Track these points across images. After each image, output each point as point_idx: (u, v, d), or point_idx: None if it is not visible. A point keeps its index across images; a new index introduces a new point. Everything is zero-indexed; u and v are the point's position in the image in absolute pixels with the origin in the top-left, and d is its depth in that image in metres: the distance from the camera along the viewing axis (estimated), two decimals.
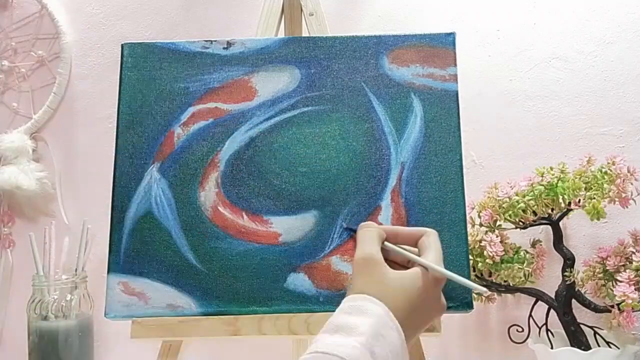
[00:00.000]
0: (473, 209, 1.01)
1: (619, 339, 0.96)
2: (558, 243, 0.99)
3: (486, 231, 0.98)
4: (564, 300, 0.97)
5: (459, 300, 0.72)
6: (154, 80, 0.82)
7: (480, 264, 0.97)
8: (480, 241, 0.97)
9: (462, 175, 0.76)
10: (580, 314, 0.98)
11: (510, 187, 0.97)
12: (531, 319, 1.01)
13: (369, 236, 0.69)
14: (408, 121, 0.78)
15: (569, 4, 1.16)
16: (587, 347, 0.94)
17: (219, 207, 0.77)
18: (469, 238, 0.92)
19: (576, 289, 0.98)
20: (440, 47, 0.81)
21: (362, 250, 0.67)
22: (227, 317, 0.74)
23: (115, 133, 0.81)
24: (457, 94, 0.79)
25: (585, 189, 0.94)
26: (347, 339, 0.56)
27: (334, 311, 0.72)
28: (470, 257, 0.95)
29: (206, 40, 0.83)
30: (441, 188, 0.76)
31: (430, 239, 0.69)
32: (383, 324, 0.59)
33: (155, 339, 0.76)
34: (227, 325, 0.73)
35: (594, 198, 0.92)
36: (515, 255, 0.98)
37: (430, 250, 0.67)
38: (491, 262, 0.96)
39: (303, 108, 0.80)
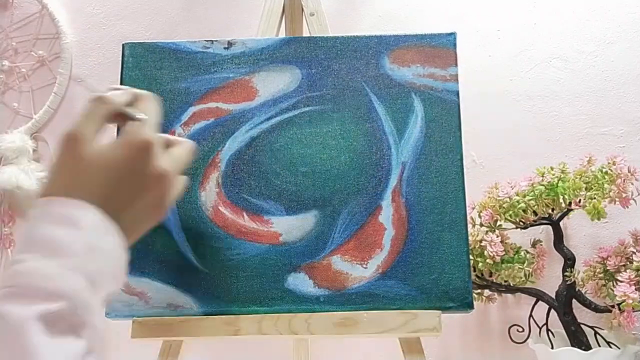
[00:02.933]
0: (473, 209, 1.01)
1: (619, 339, 0.96)
2: (558, 243, 0.99)
3: (487, 231, 0.98)
4: (565, 300, 0.97)
5: (459, 300, 0.72)
6: (154, 80, 0.82)
7: (480, 264, 0.97)
8: (480, 241, 0.97)
9: (462, 175, 0.76)
10: (581, 314, 0.98)
11: (511, 187, 0.97)
12: (532, 319, 1.01)
13: (90, 112, 0.57)
14: (409, 121, 0.78)
15: (569, 4, 1.16)
16: (587, 347, 0.94)
17: (220, 207, 0.77)
18: (470, 238, 0.92)
19: (577, 289, 0.98)
20: (441, 47, 0.81)
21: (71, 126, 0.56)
22: (228, 317, 0.73)
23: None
24: (457, 94, 0.79)
25: (586, 189, 0.94)
26: (52, 262, 0.47)
27: (334, 311, 0.72)
28: (471, 257, 0.95)
29: (207, 40, 0.83)
30: (442, 188, 0.76)
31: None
32: (97, 234, 0.51)
33: (156, 339, 0.75)
34: (228, 325, 0.73)
35: (595, 198, 0.93)
36: (516, 255, 0.98)
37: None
38: (492, 262, 0.96)
39: (304, 108, 0.80)
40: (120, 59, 0.83)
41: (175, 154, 0.59)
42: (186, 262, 0.76)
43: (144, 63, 0.83)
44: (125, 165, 0.54)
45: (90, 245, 0.50)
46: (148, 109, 0.59)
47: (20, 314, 0.44)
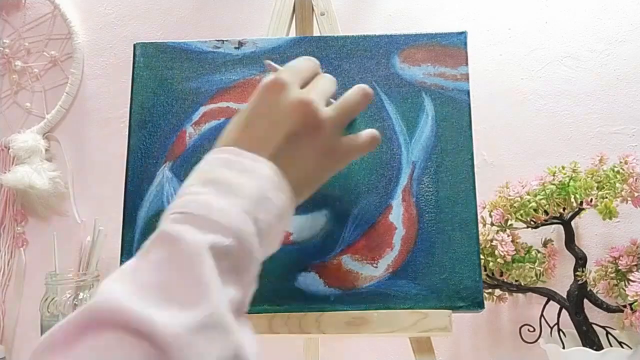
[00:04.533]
0: (484, 208, 1.01)
1: (631, 339, 0.96)
2: (570, 242, 0.99)
3: (497, 230, 0.98)
4: (576, 300, 0.97)
5: (470, 300, 0.72)
6: (165, 79, 0.82)
7: (491, 264, 0.96)
8: (491, 240, 0.97)
9: (473, 175, 0.76)
10: (592, 313, 0.98)
11: (522, 186, 0.96)
12: (543, 319, 1.01)
13: (296, 65, 0.61)
14: (419, 120, 0.78)
15: (581, 3, 1.15)
16: (599, 347, 0.93)
17: None
18: (480, 237, 0.92)
19: (588, 289, 0.97)
20: (451, 46, 0.80)
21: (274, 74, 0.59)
22: None
23: (127, 132, 0.81)
24: (468, 93, 0.79)
25: (597, 188, 0.93)
26: (225, 200, 0.48)
27: (345, 310, 0.72)
28: (482, 256, 0.95)
29: (218, 40, 0.83)
30: (452, 187, 0.76)
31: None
32: (271, 186, 0.52)
33: None
34: None
35: (606, 197, 0.92)
36: (527, 255, 0.98)
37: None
38: (502, 262, 0.95)
39: None
40: (132, 58, 0.84)
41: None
42: None
43: (155, 63, 0.83)
44: (260, 107, 0.56)
45: (263, 195, 0.51)
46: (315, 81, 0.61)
47: (195, 239, 0.44)
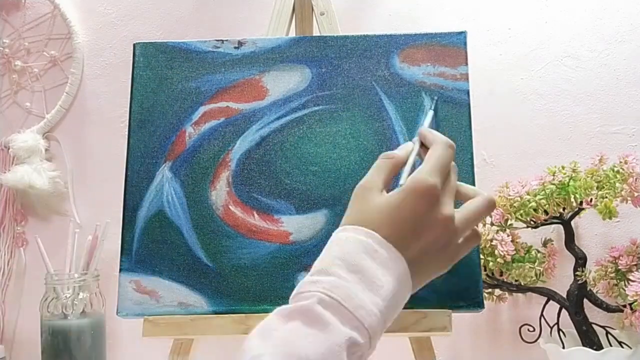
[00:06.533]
0: None
1: (631, 338, 0.96)
2: (570, 242, 0.99)
3: (497, 230, 0.98)
4: (576, 300, 0.97)
5: (470, 299, 0.72)
6: (165, 79, 0.82)
7: (491, 263, 0.96)
8: (491, 240, 0.97)
9: (473, 174, 0.76)
10: (592, 313, 0.98)
11: (522, 186, 0.96)
12: (542, 319, 1.01)
13: (378, 165, 0.64)
14: (419, 120, 0.78)
15: (581, 2, 1.15)
16: (599, 347, 0.93)
17: (230, 206, 0.78)
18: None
19: (588, 289, 0.97)
20: (451, 46, 0.80)
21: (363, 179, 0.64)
22: (238, 316, 0.74)
23: (127, 132, 0.81)
24: (468, 93, 0.79)
25: (597, 188, 0.93)
26: (368, 296, 0.52)
27: None
28: (481, 256, 0.95)
29: (217, 40, 0.83)
30: None
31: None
32: (402, 286, 0.55)
33: (167, 337, 0.76)
34: (238, 323, 0.74)
35: (606, 197, 0.92)
36: (527, 255, 0.98)
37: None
38: (502, 262, 0.95)
39: (314, 107, 0.80)
40: (132, 58, 0.84)
41: (468, 206, 0.62)
42: (197, 261, 0.76)
43: (155, 63, 0.83)
44: (411, 210, 0.57)
45: (395, 297, 0.54)
46: (432, 153, 0.62)
47: (340, 331, 0.49)
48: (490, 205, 0.63)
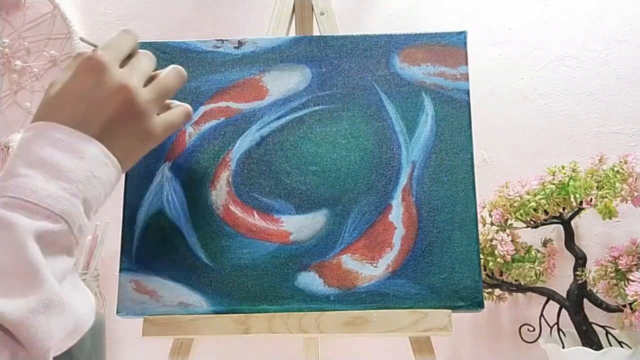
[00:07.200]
0: (484, 208, 1.01)
1: (631, 338, 0.96)
2: (569, 242, 0.99)
3: (497, 230, 0.98)
4: (576, 300, 0.97)
5: (470, 299, 0.72)
6: None
7: (491, 263, 0.96)
8: (491, 240, 0.97)
9: (473, 174, 0.76)
10: (592, 313, 0.98)
11: (522, 186, 0.96)
12: (542, 319, 1.01)
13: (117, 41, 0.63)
14: (419, 120, 0.78)
15: (581, 3, 1.15)
16: (598, 347, 0.93)
17: (230, 206, 0.78)
18: (480, 237, 0.92)
19: (588, 289, 0.97)
20: (451, 46, 0.80)
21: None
22: (238, 316, 0.74)
23: None
24: (468, 92, 0.79)
25: (597, 187, 0.93)
26: (54, 184, 0.52)
27: (345, 310, 0.72)
28: (481, 256, 0.95)
29: (217, 40, 0.83)
30: (452, 187, 0.76)
31: None
32: (98, 164, 0.56)
33: (167, 337, 0.76)
34: (238, 323, 0.74)
35: (606, 197, 0.92)
36: (527, 255, 0.98)
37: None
38: (502, 261, 0.95)
39: (314, 107, 0.80)
40: None
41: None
42: (197, 260, 0.76)
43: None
44: (79, 87, 0.58)
45: (91, 175, 0.55)
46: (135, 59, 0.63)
47: (24, 225, 0.49)
48: (181, 74, 0.66)
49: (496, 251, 0.95)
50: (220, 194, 0.78)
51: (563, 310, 0.98)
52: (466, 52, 0.80)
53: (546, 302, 1.00)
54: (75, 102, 0.57)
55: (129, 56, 0.63)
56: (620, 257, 0.95)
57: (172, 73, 0.65)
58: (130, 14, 1.35)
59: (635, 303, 0.89)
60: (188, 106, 0.68)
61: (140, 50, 0.65)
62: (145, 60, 0.64)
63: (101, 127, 0.57)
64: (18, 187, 0.51)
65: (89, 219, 0.56)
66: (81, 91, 0.57)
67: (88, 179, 0.54)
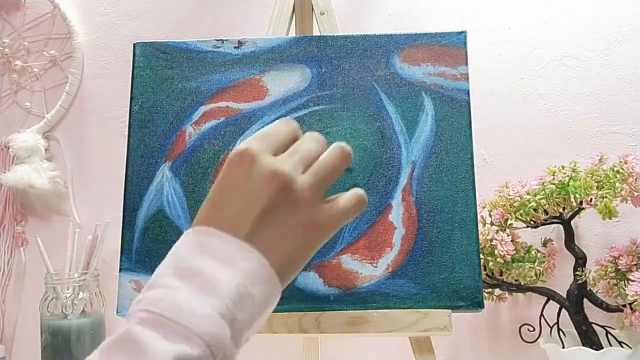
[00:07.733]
0: (484, 207, 1.01)
1: (631, 338, 0.96)
2: (569, 242, 0.99)
3: (497, 230, 0.98)
4: (576, 300, 0.97)
5: (470, 299, 0.72)
6: (165, 79, 0.82)
7: (491, 263, 0.96)
8: (491, 240, 0.97)
9: (473, 174, 0.76)
10: (592, 313, 0.98)
11: (522, 186, 0.96)
12: (542, 319, 1.01)
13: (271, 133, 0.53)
14: (419, 120, 0.78)
15: (581, 2, 1.15)
16: (598, 347, 0.93)
17: None
18: (480, 237, 0.92)
19: (588, 289, 0.97)
20: (451, 45, 0.80)
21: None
22: None
23: (127, 132, 0.81)
24: (468, 92, 0.79)
25: (597, 187, 0.93)
26: (201, 299, 0.44)
27: (345, 310, 0.72)
28: (481, 256, 0.95)
29: (217, 40, 0.83)
30: (452, 187, 0.76)
31: None
32: (252, 275, 0.47)
33: None
34: None
35: (606, 197, 0.92)
36: (527, 255, 0.98)
37: None
38: (502, 261, 0.95)
39: (314, 107, 0.80)
40: (132, 58, 0.84)
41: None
42: None
43: (155, 63, 0.83)
44: (227, 181, 0.51)
45: (245, 292, 0.46)
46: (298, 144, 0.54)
47: (162, 350, 0.41)
48: (344, 153, 0.54)
49: (496, 251, 0.95)
50: None
51: (563, 310, 0.98)
52: (466, 52, 0.80)
53: (546, 302, 1.00)
54: (228, 201, 0.50)
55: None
56: (620, 257, 0.95)
57: (334, 152, 0.54)
58: (130, 14, 1.35)
59: (635, 303, 0.89)
60: (360, 190, 0.56)
61: (306, 134, 0.55)
62: (307, 143, 0.54)
63: (254, 225, 0.48)
64: (159, 300, 0.44)
65: (236, 345, 0.46)
66: (233, 186, 0.50)
67: (241, 296, 0.46)
